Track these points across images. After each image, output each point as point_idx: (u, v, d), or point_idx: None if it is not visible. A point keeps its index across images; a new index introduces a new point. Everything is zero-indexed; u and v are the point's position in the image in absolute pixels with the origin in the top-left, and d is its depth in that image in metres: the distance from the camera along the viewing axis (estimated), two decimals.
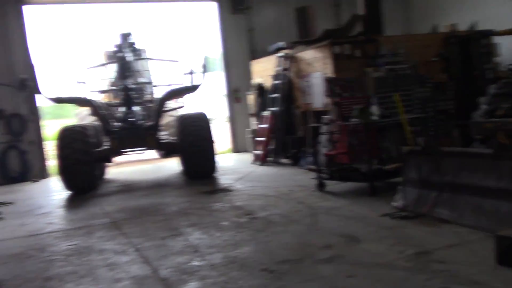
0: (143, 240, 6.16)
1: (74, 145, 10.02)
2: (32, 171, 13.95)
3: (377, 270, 4.36)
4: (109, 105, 11.98)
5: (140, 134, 10.76)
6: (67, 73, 12.66)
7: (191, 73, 11.27)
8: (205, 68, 11.09)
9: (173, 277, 4.68)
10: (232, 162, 13.69)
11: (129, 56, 11.77)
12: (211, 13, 16.16)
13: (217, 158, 11.09)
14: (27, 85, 12.90)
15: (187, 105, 14.20)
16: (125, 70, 11.32)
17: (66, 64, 12.06)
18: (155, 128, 11.02)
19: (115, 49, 11.84)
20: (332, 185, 8.27)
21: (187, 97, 12.86)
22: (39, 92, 11.09)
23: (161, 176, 11.99)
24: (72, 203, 9.54)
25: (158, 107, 11.08)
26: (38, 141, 14.15)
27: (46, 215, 8.59)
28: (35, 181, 13.56)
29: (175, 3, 17.17)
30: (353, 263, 4.61)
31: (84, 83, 12.36)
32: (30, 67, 10.90)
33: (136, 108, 11.47)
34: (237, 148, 16.21)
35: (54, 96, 10.94)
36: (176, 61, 12.34)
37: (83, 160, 9.96)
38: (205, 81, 11.28)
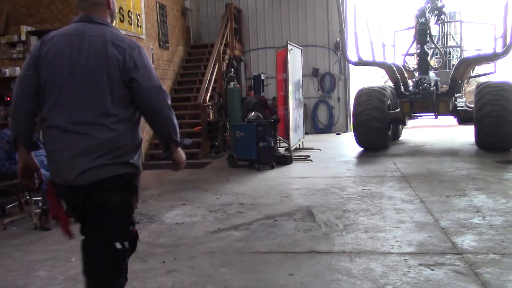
0: (429, 195, 6.76)
1: (369, 103, 10.84)
2: (337, 124, 15.82)
3: None
4: (407, 70, 12.42)
5: (431, 100, 10.88)
6: (377, 36, 13.48)
7: (502, 37, 10.61)
8: (509, 34, 10.29)
9: (452, 228, 5.21)
10: None
11: (430, 20, 11.73)
12: None
13: None
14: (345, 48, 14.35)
15: (499, 72, 13.51)
16: (424, 34, 11.32)
17: (377, 28, 12.70)
18: (448, 94, 11.06)
19: (417, 13, 11.95)
20: None
21: (500, 63, 12.28)
22: (345, 57, 12.30)
23: (455, 143, 12.14)
24: (368, 156, 10.65)
25: (453, 74, 11.06)
26: (344, 99, 15.85)
27: (345, 163, 9.98)
28: (338, 133, 15.39)
29: None
30: None
31: (392, 46, 13.18)
32: (342, 32, 11.98)
33: (432, 74, 11.55)
34: None
35: (357, 60, 11.91)
36: (493, 24, 11.59)
37: (376, 118, 10.72)
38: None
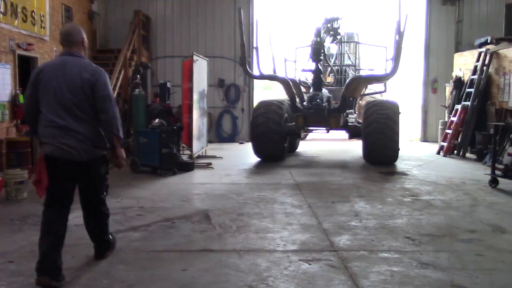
0: (316, 201, 7.41)
1: (267, 116, 11.31)
2: (240, 134, 16.39)
3: (506, 255, 4.91)
4: (305, 85, 13.13)
5: (323, 115, 11.43)
6: (280, 52, 13.88)
7: (392, 59, 11.28)
8: (398, 57, 10.96)
9: (332, 229, 5.83)
10: (417, 150, 14.15)
11: (326, 40, 12.28)
12: (418, 3, 16.43)
13: (401, 146, 11.26)
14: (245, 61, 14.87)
15: (388, 91, 14.62)
16: (318, 53, 11.79)
17: (280, 43, 13.32)
18: (339, 110, 11.70)
19: (314, 31, 12.23)
20: (509, 183, 8.44)
21: (390, 82, 13.19)
22: (245, 71, 12.55)
23: (346, 155, 13.11)
24: (266, 165, 11.21)
25: (344, 92, 11.65)
26: (248, 109, 16.46)
27: (245, 171, 10.53)
28: (241, 143, 15.96)
29: None
30: (487, 246, 5.20)
31: (294, 61, 13.83)
32: (243, 46, 12.03)
33: (325, 90, 12.14)
34: (427, 137, 16.51)
35: (257, 74, 12.43)
36: (385, 47, 12.52)
37: (273, 130, 11.20)
38: (399, 70, 11.51)
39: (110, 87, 4.35)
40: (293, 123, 12.10)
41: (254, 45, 12.62)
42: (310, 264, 4.62)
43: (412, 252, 4.99)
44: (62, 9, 12.22)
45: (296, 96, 11.95)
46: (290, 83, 12.05)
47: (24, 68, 10.26)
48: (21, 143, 9.36)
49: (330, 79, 13.95)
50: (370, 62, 15.33)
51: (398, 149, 11.03)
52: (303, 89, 12.95)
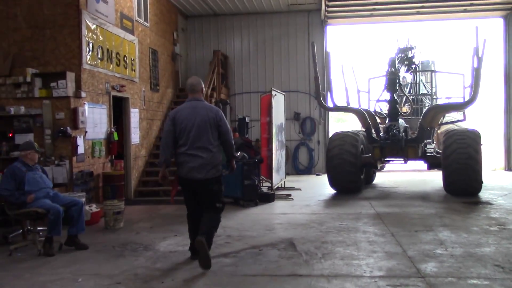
0: (399, 230, 7.46)
1: (342, 148, 11.37)
2: (317, 166, 16.57)
3: None
4: (380, 116, 13.06)
5: (400, 146, 11.32)
6: (353, 84, 13.95)
7: (470, 86, 11.22)
8: (477, 84, 10.82)
9: (417, 257, 5.88)
10: (501, 180, 13.69)
11: (401, 70, 12.34)
12: (496, 28, 16.18)
13: (484, 176, 10.85)
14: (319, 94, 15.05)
15: (468, 119, 14.24)
16: (393, 83, 11.87)
17: (353, 75, 13.50)
18: (417, 140, 11.57)
19: (388, 62, 12.29)
20: None
21: (469, 111, 12.81)
22: (320, 103, 12.72)
23: (426, 186, 12.89)
24: (345, 196, 11.32)
25: (421, 121, 11.56)
26: (324, 142, 16.66)
27: (324, 202, 10.70)
28: (318, 174, 16.13)
29: (458, 20, 17.56)
30: None
31: (367, 92, 13.94)
32: (317, 79, 12.19)
33: (401, 121, 12.07)
34: (511, 166, 15.89)
35: (331, 106, 12.60)
36: (462, 74, 12.31)
37: (349, 162, 11.22)
38: (478, 97, 11.32)
39: (226, 120, 6.11)
40: (369, 155, 12.09)
41: (328, 78, 12.83)
42: None
43: (502, 280, 4.96)
44: (150, 52, 13.18)
45: (371, 127, 11.92)
46: (365, 114, 12.09)
47: (117, 108, 11.17)
48: (116, 177, 10.12)
49: (406, 109, 13.88)
50: (448, 90, 15.18)
51: (481, 180, 10.62)
52: (378, 120, 12.89)
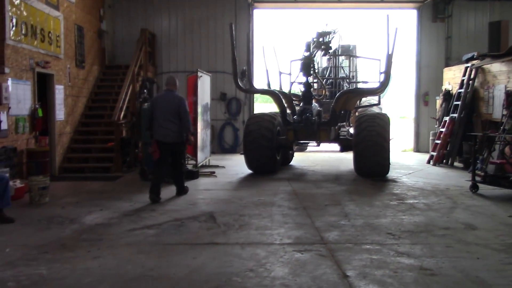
0: (311, 204, 8.20)
1: (259, 130, 11.58)
2: (241, 145, 17.11)
3: (472, 247, 5.69)
4: (296, 98, 13.23)
5: (313, 129, 11.59)
6: (275, 65, 14.28)
7: (383, 73, 11.67)
8: (388, 71, 11.38)
9: (323, 227, 6.61)
10: (409, 160, 14.94)
11: (317, 54, 12.59)
12: (410, 20, 17.36)
13: (393, 157, 11.54)
14: (245, 75, 15.38)
15: (383, 103, 15.02)
16: (307, 67, 11.95)
17: (275, 57, 13.89)
18: (329, 124, 11.97)
19: (304, 46, 12.34)
20: (488, 189, 9.21)
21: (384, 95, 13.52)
22: (237, 85, 12.63)
23: (340, 166, 13.86)
24: (264, 175, 11.95)
25: (333, 105, 11.96)
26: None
27: (245, 179, 11.31)
28: (242, 154, 16.63)
29: (376, 10, 18.60)
30: (457, 240, 5.98)
31: (289, 74, 13.95)
32: (234, 61, 12.31)
33: (315, 104, 12.39)
34: (418, 148, 17.31)
35: (248, 87, 12.73)
36: (378, 60, 12.66)
37: (265, 144, 11.47)
38: (389, 83, 12.03)
39: (187, 106, 8.88)
40: (284, 137, 12.34)
41: (248, 60, 13.13)
42: (302, 254, 5.41)
43: (391, 245, 5.77)
44: (75, 29, 13.08)
45: (287, 109, 12.25)
46: (281, 96, 12.36)
47: (41, 84, 11.11)
48: (40, 153, 10.16)
49: (324, 92, 14.43)
50: (368, 75, 15.98)
51: (389, 164, 11.24)
52: (296, 102, 13.09)
